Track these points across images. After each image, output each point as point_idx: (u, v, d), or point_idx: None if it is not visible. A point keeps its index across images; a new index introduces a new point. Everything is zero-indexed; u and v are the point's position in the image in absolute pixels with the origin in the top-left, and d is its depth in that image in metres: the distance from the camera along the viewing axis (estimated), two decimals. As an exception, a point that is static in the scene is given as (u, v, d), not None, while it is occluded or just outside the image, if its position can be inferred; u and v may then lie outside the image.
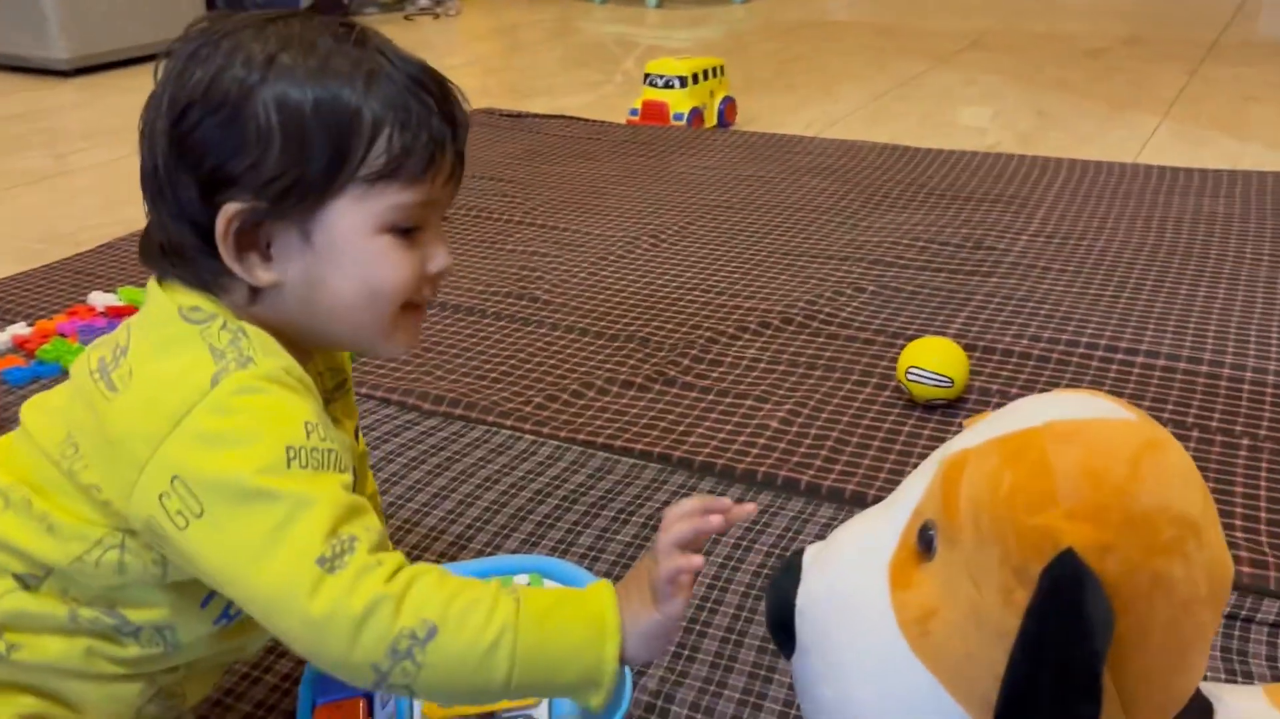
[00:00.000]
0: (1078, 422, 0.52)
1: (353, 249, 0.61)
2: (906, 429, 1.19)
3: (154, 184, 0.61)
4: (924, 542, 0.54)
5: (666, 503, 1.07)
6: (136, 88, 2.98)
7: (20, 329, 1.42)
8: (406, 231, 0.63)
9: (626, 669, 0.79)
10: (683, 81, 2.41)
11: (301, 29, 0.61)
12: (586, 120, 2.49)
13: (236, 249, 0.60)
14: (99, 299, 1.50)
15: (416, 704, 0.70)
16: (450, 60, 3.32)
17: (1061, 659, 0.47)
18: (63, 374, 1.31)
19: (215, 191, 0.59)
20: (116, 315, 1.46)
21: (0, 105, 2.79)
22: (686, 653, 0.87)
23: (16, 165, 2.28)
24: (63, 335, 1.41)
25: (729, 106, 2.50)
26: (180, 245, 0.61)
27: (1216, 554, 0.50)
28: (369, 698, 0.73)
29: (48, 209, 2.04)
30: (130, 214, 1.95)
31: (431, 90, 0.63)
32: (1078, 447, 0.51)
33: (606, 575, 0.96)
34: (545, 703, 0.70)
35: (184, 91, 0.59)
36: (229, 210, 0.59)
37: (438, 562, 0.99)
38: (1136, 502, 0.49)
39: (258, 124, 0.58)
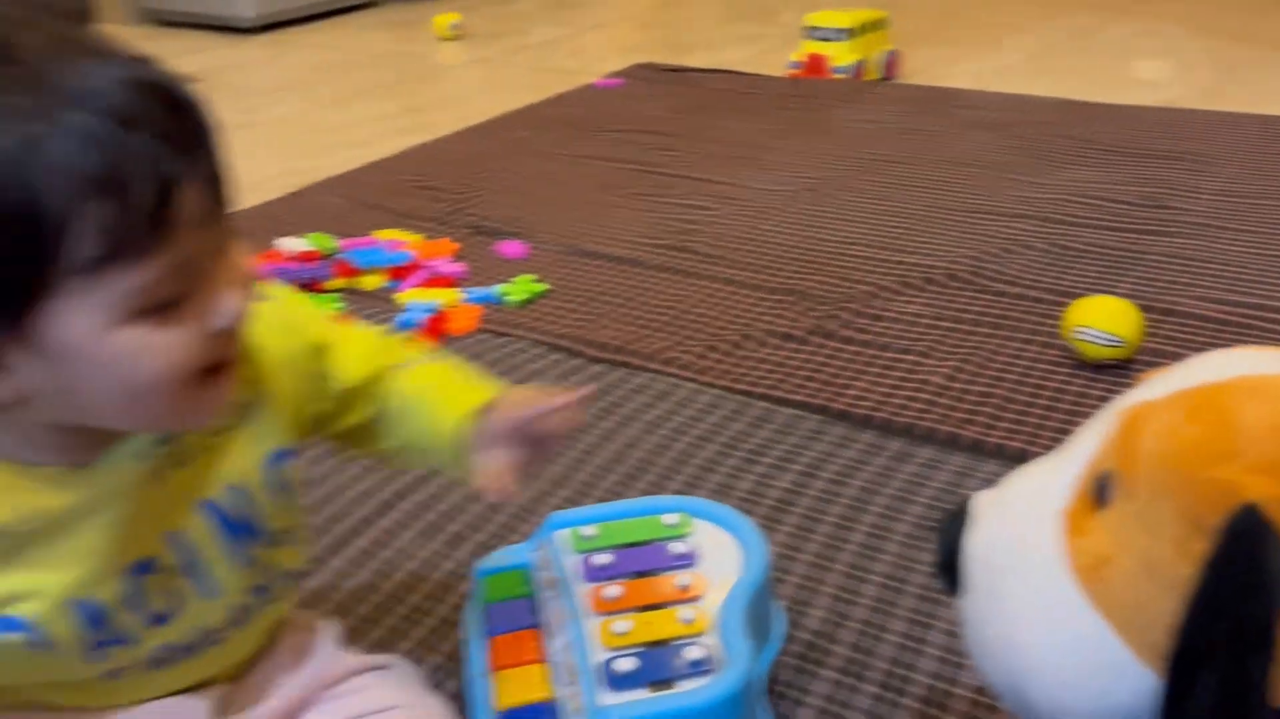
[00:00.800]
0: (1264, 377, 0.52)
1: (97, 351, 0.48)
2: (1074, 389, 1.17)
3: None
4: (1100, 491, 0.55)
5: (826, 454, 1.09)
6: (317, 44, 3.12)
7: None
8: (163, 307, 0.49)
9: (780, 607, 0.82)
10: (845, 34, 2.38)
11: None
12: (746, 74, 2.49)
13: None
14: (288, 244, 1.60)
15: (591, 631, 0.74)
16: (605, 15, 3.36)
17: (1236, 612, 0.48)
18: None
19: None
20: (306, 259, 1.56)
21: (191, 61, 2.96)
22: (847, 596, 0.89)
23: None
24: (257, 278, 1.51)
25: (892, 59, 2.46)
26: None
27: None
28: (541, 629, 0.77)
29: (236, 160, 2.16)
30: (313, 164, 2.06)
31: (145, 116, 0.47)
32: (1263, 402, 0.50)
33: (765, 521, 0.99)
34: (716, 631, 0.73)
35: None
36: None
37: (604, 500, 1.03)
38: (1324, 459, 0.48)
39: None
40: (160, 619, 0.59)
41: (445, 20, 3.08)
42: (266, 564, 0.64)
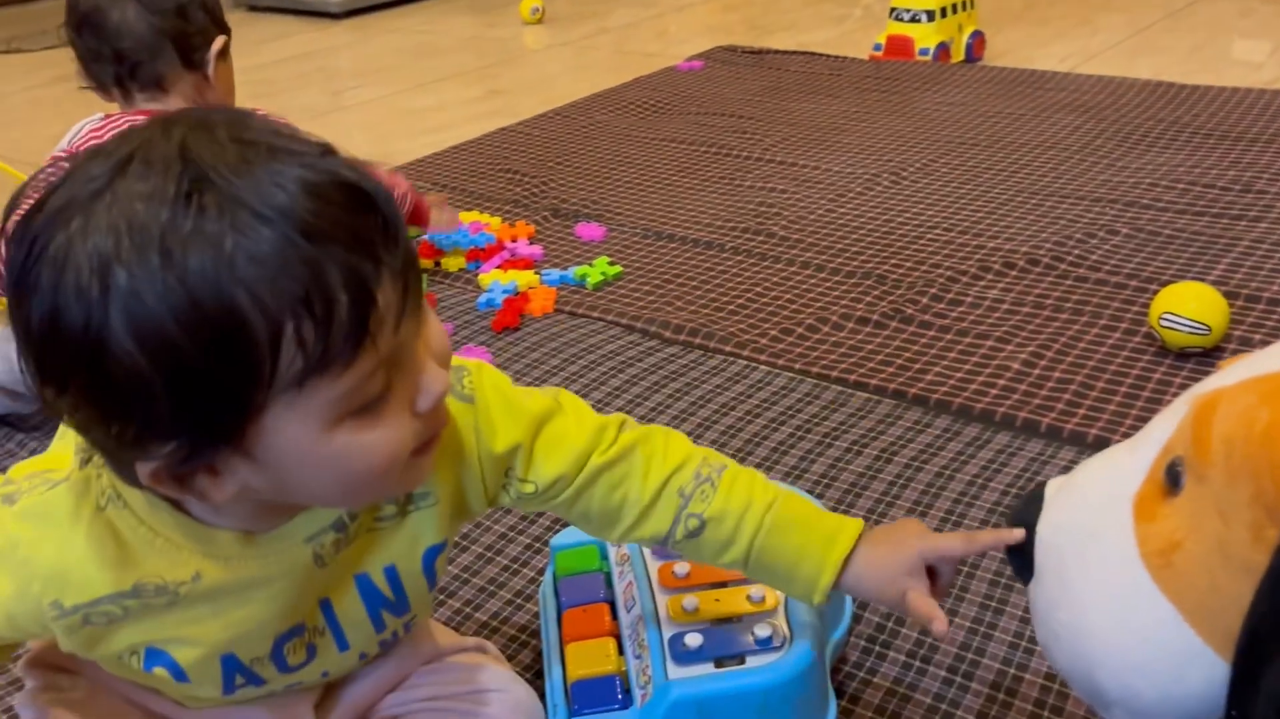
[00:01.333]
0: (1345, 365, 0.51)
1: (310, 459, 0.49)
2: (1156, 376, 1.15)
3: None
4: (1171, 477, 0.55)
5: (901, 438, 1.09)
6: (402, 28, 3.18)
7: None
8: (372, 402, 0.49)
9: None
10: (930, 15, 2.35)
11: (130, 201, 0.44)
12: (828, 56, 2.47)
13: (177, 487, 0.49)
14: (373, 226, 1.64)
15: (661, 607, 0.75)
16: (691, -3, 3.35)
17: None
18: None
19: (119, 451, 0.48)
20: (388, 241, 1.59)
21: (281, 47, 3.03)
22: (917, 580, 0.89)
23: (298, 102, 2.49)
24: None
25: (977, 41, 2.42)
26: (115, 465, 0.51)
27: None
28: (612, 603, 0.79)
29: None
30: (399, 147, 2.10)
31: (335, 225, 0.46)
32: (1343, 390, 0.50)
33: (837, 504, 0.99)
34: (783, 610, 0.74)
35: (33, 330, 0.46)
36: (144, 471, 0.48)
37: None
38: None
39: (126, 375, 0.44)
40: (293, 669, 0.62)
41: (529, 4, 3.11)
42: (393, 625, 0.65)
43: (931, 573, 0.65)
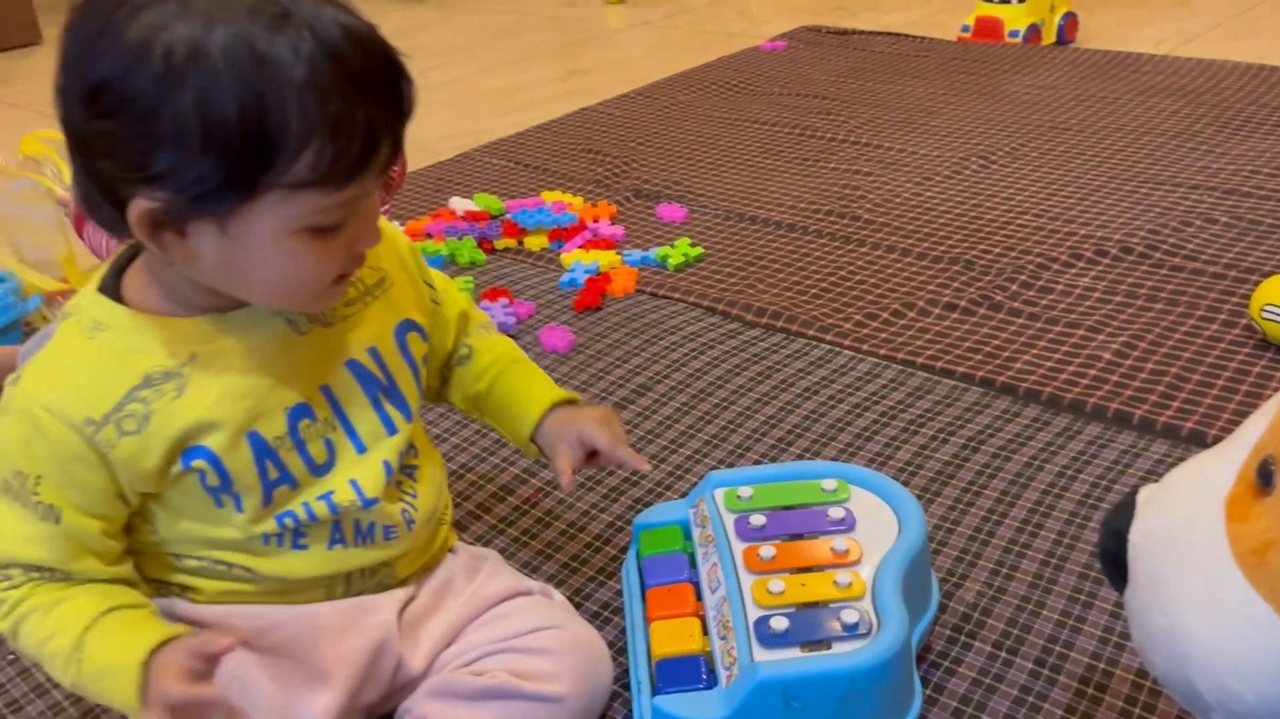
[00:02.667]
0: None
1: (269, 248, 0.59)
2: (1256, 370, 1.12)
3: (70, 143, 0.59)
4: (1263, 476, 0.54)
5: (989, 427, 1.07)
6: (485, 8, 3.19)
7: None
8: (323, 230, 0.60)
9: (934, 578, 0.82)
10: (1022, -4, 2.30)
11: (228, 4, 0.55)
12: (914, 37, 2.43)
13: (150, 231, 0.58)
14: (458, 204, 1.65)
15: (746, 589, 0.75)
16: (775, -24, 3.32)
17: None
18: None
19: (126, 182, 0.57)
20: (474, 219, 1.61)
21: (367, 25, 3.07)
22: (1006, 571, 0.88)
23: (382, 80, 2.52)
24: (429, 236, 1.57)
25: (1070, 22, 2.36)
26: (92, 204, 0.60)
27: None
28: (696, 583, 0.79)
29: (412, 122, 2.24)
30: (482, 125, 2.11)
31: (374, 83, 0.57)
32: None
33: (923, 492, 0.98)
34: (870, 597, 0.74)
35: (97, 69, 0.55)
36: (138, 206, 0.57)
37: (758, 463, 1.04)
38: None
39: (175, 129, 0.54)
40: (320, 470, 0.68)
41: (610, -17, 3.11)
42: (404, 432, 0.72)
43: (594, 453, 0.78)
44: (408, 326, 0.73)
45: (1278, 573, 0.52)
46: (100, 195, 0.59)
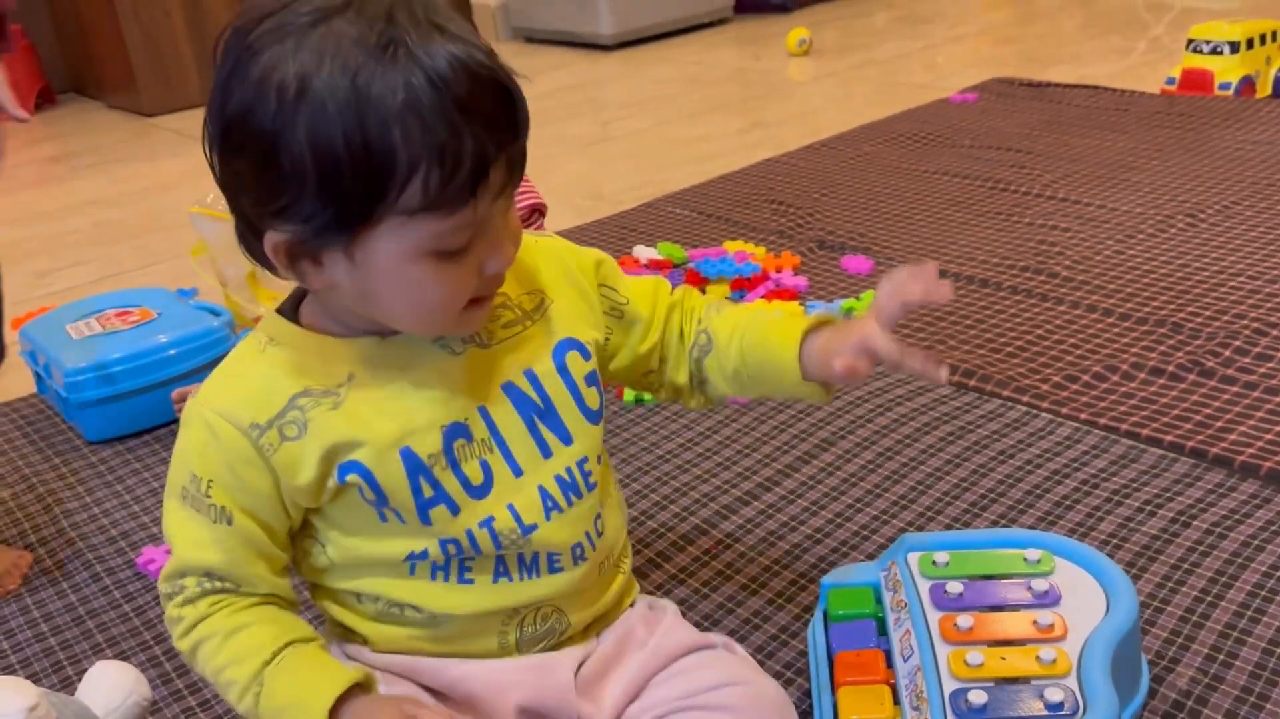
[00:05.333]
0: None
1: (395, 274, 0.61)
2: None
3: (218, 183, 0.63)
4: None
5: (1200, 500, 1.00)
6: (671, 59, 3.25)
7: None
8: (452, 252, 0.61)
9: (1144, 660, 0.76)
10: (1234, 47, 2.18)
11: (338, 38, 0.57)
12: (1114, 90, 2.34)
13: (288, 262, 0.62)
14: (642, 252, 1.67)
15: (942, 659, 0.72)
16: (959, 29, 3.27)
17: None
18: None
19: (260, 217, 0.61)
20: (656, 267, 1.63)
21: (555, 77, 3.17)
22: (1224, 658, 0.82)
23: (569, 131, 2.59)
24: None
25: (1287, 74, 2.23)
26: (244, 239, 0.65)
27: None
28: (886, 651, 0.76)
29: (596, 170, 2.29)
30: (664, 176, 2.14)
31: (480, 106, 0.58)
32: None
33: (1129, 567, 0.93)
34: (1076, 676, 0.69)
35: (227, 109, 0.60)
36: (271, 239, 0.61)
37: (950, 527, 1.01)
38: None
39: (291, 163, 0.58)
40: (478, 492, 0.68)
41: (795, 35, 3.11)
42: (561, 456, 0.71)
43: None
44: (568, 346, 0.72)
45: None
46: (247, 230, 0.63)
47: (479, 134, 0.58)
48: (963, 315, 1.42)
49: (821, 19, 3.53)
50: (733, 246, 1.68)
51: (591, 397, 0.72)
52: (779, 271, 1.59)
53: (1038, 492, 1.05)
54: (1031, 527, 1.00)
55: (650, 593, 0.86)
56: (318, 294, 0.66)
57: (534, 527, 0.69)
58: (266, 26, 0.59)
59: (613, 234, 1.84)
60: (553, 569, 0.71)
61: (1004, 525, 1.00)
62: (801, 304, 1.47)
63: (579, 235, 1.85)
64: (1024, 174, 1.91)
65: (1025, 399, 1.20)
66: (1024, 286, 1.48)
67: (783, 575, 0.97)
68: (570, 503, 0.71)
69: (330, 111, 0.56)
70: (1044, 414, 1.17)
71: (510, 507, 0.68)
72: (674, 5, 3.51)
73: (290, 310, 0.69)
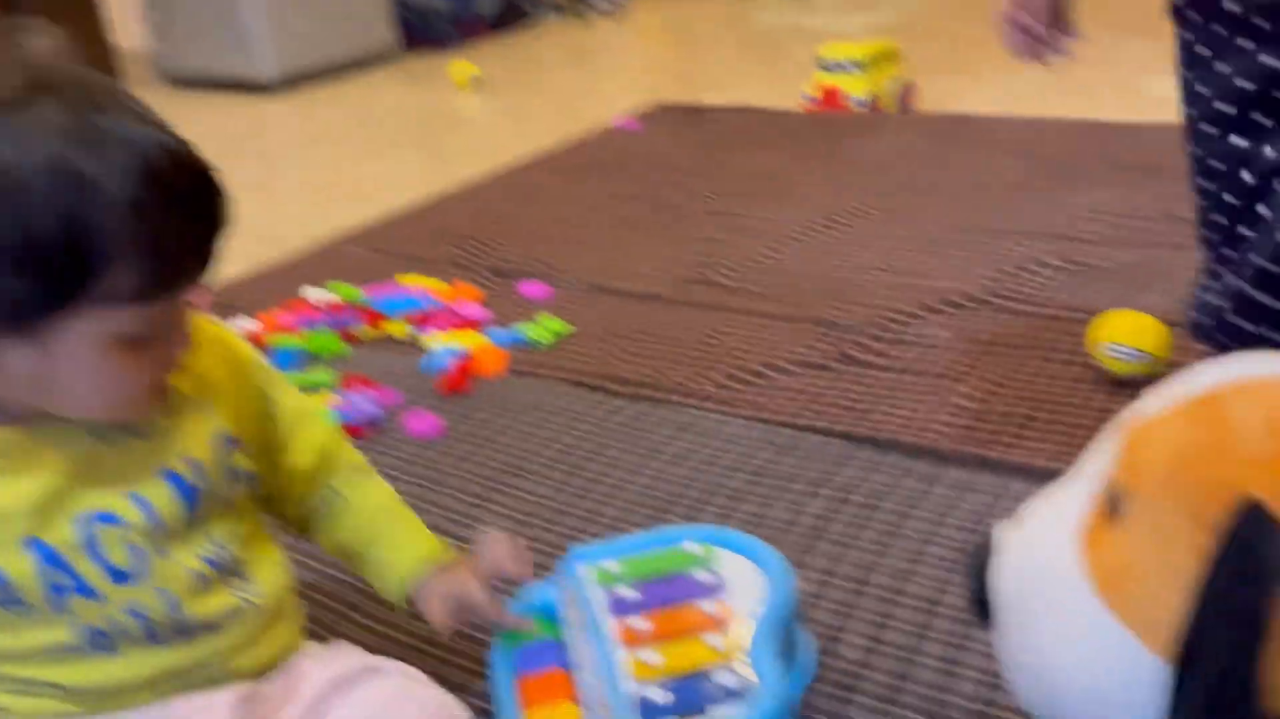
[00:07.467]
0: (1256, 379, 0.53)
1: (86, 361, 0.60)
2: (1097, 404, 1.17)
3: None
4: (1112, 505, 0.55)
5: (855, 478, 1.09)
6: (338, 99, 3.18)
7: (247, 323, 1.55)
8: (138, 341, 0.61)
9: (808, 633, 0.82)
10: (859, 65, 2.40)
11: (44, 123, 0.56)
12: (762, 110, 2.51)
13: None
14: (314, 294, 1.62)
15: (622, 665, 0.74)
16: (621, 60, 3.41)
17: (1235, 601, 0.48)
18: (299, 363, 1.42)
19: None
20: (333, 309, 1.58)
21: (215, 121, 3.02)
22: (883, 621, 0.89)
23: (234, 177, 2.44)
24: (285, 329, 1.53)
25: (908, 89, 2.48)
26: None
27: None
28: (570, 667, 0.77)
29: (264, 214, 2.20)
30: (338, 217, 2.09)
31: (187, 198, 0.59)
32: (1258, 402, 0.52)
33: (798, 548, 0.99)
34: (746, 658, 0.73)
35: None
36: None
37: (634, 532, 1.03)
38: (1318, 450, 0.49)
39: None
40: (123, 577, 0.66)
41: (464, 70, 3.13)
42: (212, 535, 0.70)
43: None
44: (228, 438, 0.72)
45: (1134, 598, 0.53)
46: None
47: (187, 227, 0.59)
48: (637, 330, 1.47)
49: (489, 54, 3.58)
50: (410, 281, 1.66)
51: (238, 489, 0.73)
52: (458, 303, 1.59)
53: (713, 488, 1.10)
54: (711, 522, 1.04)
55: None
56: None
57: (184, 607, 0.68)
58: None
59: (283, 278, 1.77)
60: (209, 631, 0.69)
61: (685, 524, 1.04)
62: (484, 333, 1.48)
63: (248, 284, 1.77)
64: (686, 193, 2.01)
65: (694, 402, 1.26)
66: (690, 298, 1.55)
67: (474, 606, 0.96)
68: (220, 576, 0.70)
69: (38, 199, 0.55)
70: (713, 415, 1.24)
71: (163, 590, 0.67)
72: (338, 43, 3.44)
73: None
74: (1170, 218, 1.64)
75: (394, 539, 0.80)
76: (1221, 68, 0.87)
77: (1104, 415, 1.14)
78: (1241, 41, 0.85)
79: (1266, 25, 0.83)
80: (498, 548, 0.79)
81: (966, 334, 1.35)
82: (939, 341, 1.35)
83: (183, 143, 0.60)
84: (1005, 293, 1.44)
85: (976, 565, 0.64)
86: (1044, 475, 1.04)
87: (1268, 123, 0.86)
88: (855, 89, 2.40)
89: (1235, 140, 0.88)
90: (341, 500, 0.80)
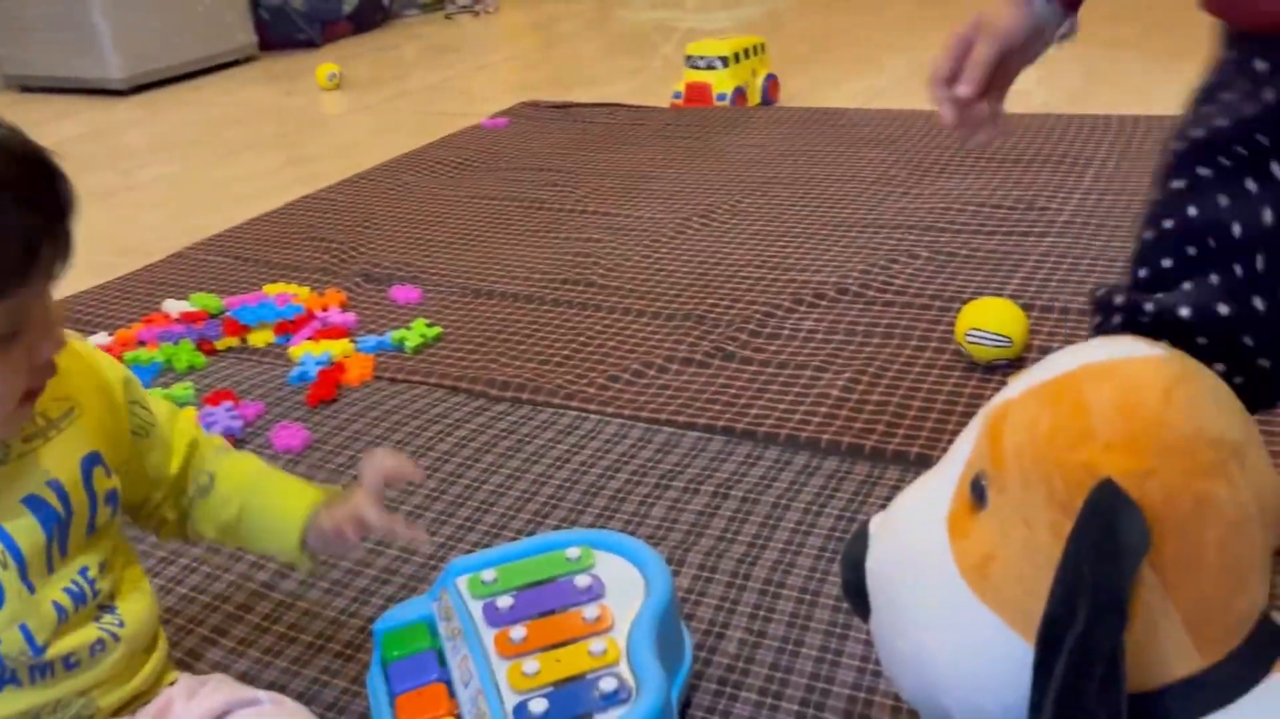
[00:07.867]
0: (1111, 362, 0.55)
1: None
2: (968, 390, 1.20)
3: None
4: (976, 492, 0.56)
5: (734, 473, 1.09)
6: (194, 101, 3.06)
7: (101, 339, 1.47)
8: (3, 339, 0.58)
9: (685, 630, 0.82)
10: (724, 61, 2.42)
11: None
12: (630, 106, 2.51)
13: None
14: (173, 306, 1.55)
15: (501, 676, 0.72)
16: (491, 57, 3.37)
17: (1094, 578, 0.50)
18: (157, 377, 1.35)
19: None
20: (191, 320, 1.52)
21: (63, 127, 2.87)
22: (763, 614, 0.89)
23: (84, 184, 2.33)
24: (142, 343, 1.46)
25: (772, 84, 2.51)
26: None
27: (1263, 474, 0.52)
28: (448, 681, 0.75)
29: (118, 224, 2.10)
30: (197, 222, 2.00)
31: (22, 186, 0.57)
32: (1111, 384, 0.53)
33: (679, 546, 0.98)
34: (625, 660, 0.72)
35: None
36: None
37: (515, 538, 1.02)
38: (1171, 429, 0.50)
39: None
40: None
41: (325, 70, 3.05)
42: (70, 567, 0.67)
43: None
44: (94, 459, 0.69)
45: (1000, 583, 0.54)
46: None
47: (26, 216, 0.57)
48: (512, 332, 1.45)
49: (350, 53, 3.49)
50: (273, 289, 1.61)
51: (104, 515, 0.69)
52: (325, 310, 1.54)
53: (593, 490, 1.09)
54: (591, 524, 1.03)
55: (204, 673, 0.79)
56: None
57: (45, 645, 0.64)
58: None
59: (140, 290, 1.69)
60: (70, 668, 0.66)
61: (567, 528, 1.03)
62: (352, 341, 1.44)
63: (102, 295, 1.69)
64: (557, 191, 1.99)
65: (575, 403, 1.25)
66: (565, 298, 1.54)
67: (349, 625, 0.93)
68: (80, 611, 0.66)
69: None
70: (593, 416, 1.23)
71: (22, 627, 0.63)
72: (192, 45, 3.32)
73: None
74: (1025, 205, 1.70)
75: (275, 494, 0.77)
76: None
77: (975, 402, 1.17)
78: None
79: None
80: (376, 459, 0.76)
81: (839, 326, 1.37)
82: (813, 335, 1.36)
83: (14, 130, 0.58)
84: (875, 284, 1.47)
85: (851, 556, 0.64)
86: (918, 463, 1.07)
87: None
88: (722, 84, 2.42)
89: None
90: (214, 478, 0.77)
